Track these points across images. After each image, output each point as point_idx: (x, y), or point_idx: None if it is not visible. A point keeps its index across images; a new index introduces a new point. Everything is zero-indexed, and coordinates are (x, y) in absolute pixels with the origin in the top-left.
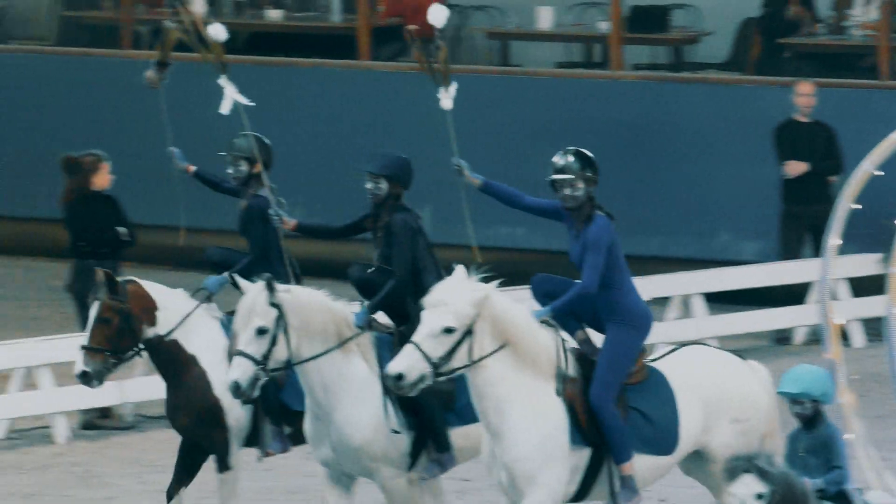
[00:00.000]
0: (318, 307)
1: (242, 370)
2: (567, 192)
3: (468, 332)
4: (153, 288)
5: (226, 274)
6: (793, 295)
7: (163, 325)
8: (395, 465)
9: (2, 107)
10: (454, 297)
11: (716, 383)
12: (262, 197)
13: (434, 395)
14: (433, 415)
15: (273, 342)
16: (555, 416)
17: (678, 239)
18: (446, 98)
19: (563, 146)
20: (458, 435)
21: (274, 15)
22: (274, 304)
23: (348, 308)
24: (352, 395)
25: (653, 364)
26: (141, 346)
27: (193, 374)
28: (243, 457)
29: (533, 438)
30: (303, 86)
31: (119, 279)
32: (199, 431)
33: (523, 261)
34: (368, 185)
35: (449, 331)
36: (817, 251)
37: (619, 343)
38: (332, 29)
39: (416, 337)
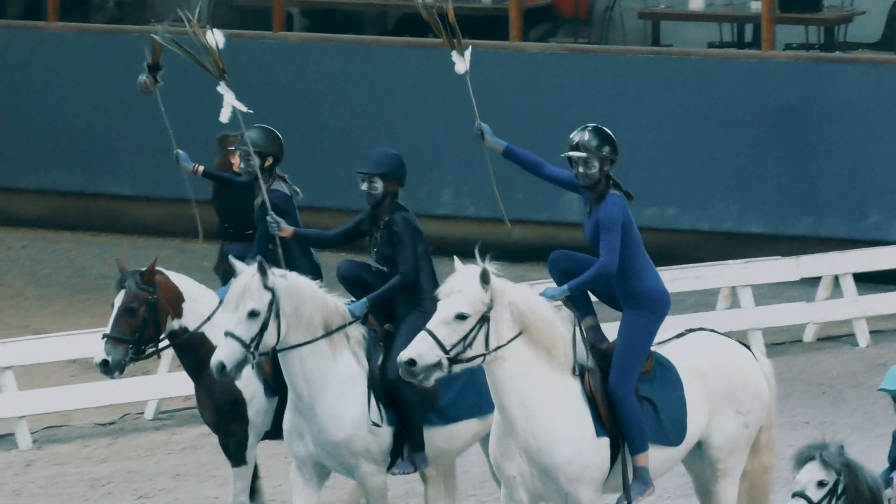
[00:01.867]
0: (312, 296)
1: (229, 351)
2: (581, 169)
3: (484, 320)
4: (180, 280)
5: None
6: None
7: (189, 318)
8: (376, 461)
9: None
10: (468, 284)
11: (723, 373)
12: (278, 192)
13: (416, 393)
14: (413, 412)
15: (264, 326)
16: (581, 410)
17: (829, 219)
18: (461, 62)
19: (714, 126)
20: (441, 435)
21: None
22: (268, 288)
23: (341, 301)
24: (335, 389)
25: (658, 350)
26: (163, 338)
27: None
28: (267, 447)
29: (569, 438)
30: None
31: (149, 269)
32: (219, 423)
33: (672, 241)
34: (363, 186)
35: (462, 317)
36: None
37: (636, 329)
38: (484, 10)
39: (430, 324)
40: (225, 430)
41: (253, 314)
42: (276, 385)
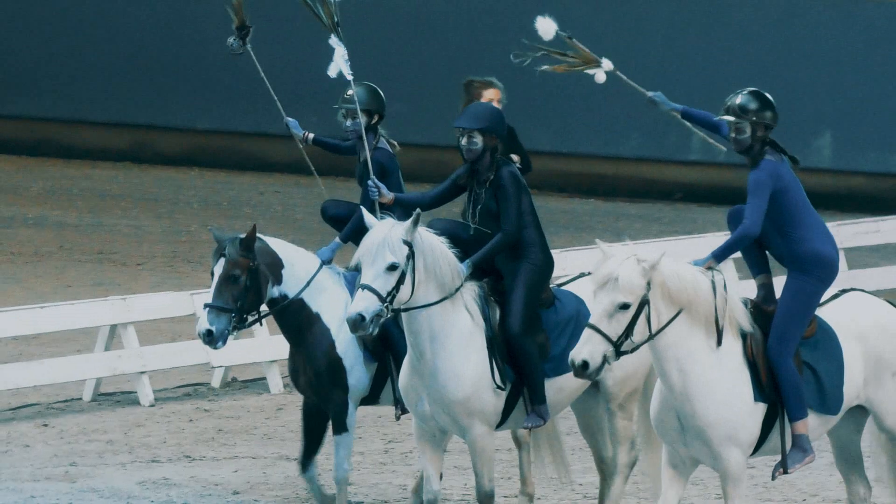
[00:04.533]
0: (442, 252)
1: (368, 304)
2: (733, 134)
3: (643, 304)
4: (279, 245)
5: (337, 240)
6: None
7: (288, 284)
8: (489, 422)
9: (404, 38)
10: (623, 271)
11: (879, 335)
12: (384, 150)
13: (536, 346)
14: (535, 365)
15: (401, 280)
16: (739, 374)
17: None
18: (600, 72)
19: None
20: (551, 387)
21: None
22: (406, 242)
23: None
24: (456, 347)
25: (818, 314)
26: (264, 306)
27: (315, 332)
28: (360, 415)
29: (722, 400)
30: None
31: (249, 236)
32: (318, 390)
33: None
34: (462, 142)
35: (625, 307)
36: None
37: (799, 294)
38: None
39: (592, 319)
40: (325, 397)
41: (392, 267)
42: (375, 350)
